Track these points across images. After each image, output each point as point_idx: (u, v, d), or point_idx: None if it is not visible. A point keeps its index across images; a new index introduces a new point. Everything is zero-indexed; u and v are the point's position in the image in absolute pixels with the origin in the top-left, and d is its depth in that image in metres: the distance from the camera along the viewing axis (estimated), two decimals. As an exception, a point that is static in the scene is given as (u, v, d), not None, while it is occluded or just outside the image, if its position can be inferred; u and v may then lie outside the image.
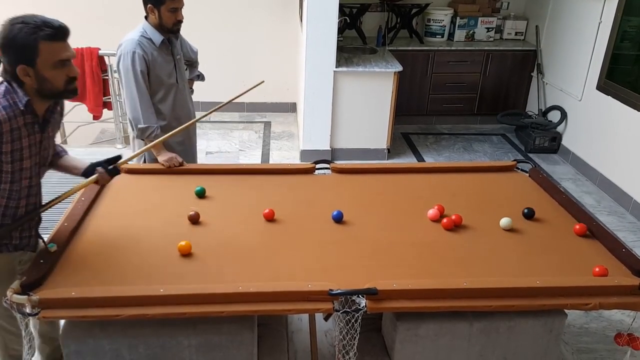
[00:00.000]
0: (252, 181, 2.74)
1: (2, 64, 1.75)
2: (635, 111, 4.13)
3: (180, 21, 2.82)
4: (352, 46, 5.42)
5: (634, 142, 4.15)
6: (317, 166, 2.85)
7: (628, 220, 4.11)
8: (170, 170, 2.83)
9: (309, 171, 2.84)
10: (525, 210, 2.45)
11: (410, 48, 5.48)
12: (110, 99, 4.83)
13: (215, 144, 5.26)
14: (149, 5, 2.78)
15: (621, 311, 2.89)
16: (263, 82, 2.64)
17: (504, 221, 2.34)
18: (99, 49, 4.66)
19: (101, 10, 5.52)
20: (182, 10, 2.84)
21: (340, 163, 2.96)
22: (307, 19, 4.39)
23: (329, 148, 4.86)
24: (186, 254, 2.09)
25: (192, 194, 2.54)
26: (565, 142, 5.16)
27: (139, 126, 2.79)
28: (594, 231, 2.32)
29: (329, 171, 2.86)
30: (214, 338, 1.95)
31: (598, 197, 4.45)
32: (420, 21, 5.80)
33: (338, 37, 4.56)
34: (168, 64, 2.89)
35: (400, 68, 4.71)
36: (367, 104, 4.78)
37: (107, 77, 4.74)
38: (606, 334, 2.85)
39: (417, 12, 5.63)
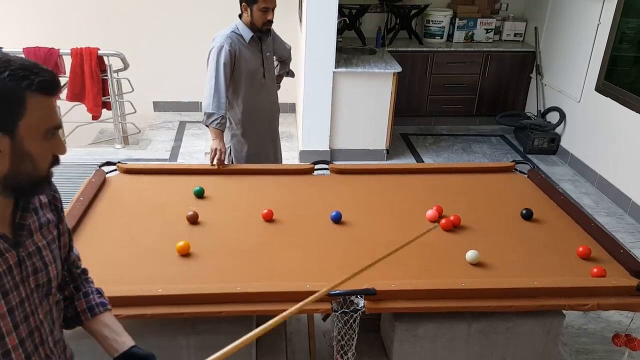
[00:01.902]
0: (250, 181, 2.74)
1: None
2: (634, 112, 4.13)
3: (270, 21, 2.94)
4: (352, 47, 5.42)
5: (632, 143, 4.15)
6: (316, 167, 2.86)
7: (626, 221, 4.11)
8: (170, 170, 2.84)
9: (307, 172, 2.84)
10: (524, 211, 2.45)
11: (409, 49, 5.49)
12: (109, 98, 4.83)
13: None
14: (243, 4, 2.90)
15: (619, 312, 2.89)
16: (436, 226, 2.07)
17: (470, 254, 2.12)
18: (99, 49, 4.65)
19: (101, 10, 5.51)
20: (274, 11, 2.96)
21: (339, 164, 2.96)
22: (307, 20, 4.39)
23: (328, 149, 4.86)
24: (185, 254, 2.09)
25: (191, 194, 2.54)
26: (564, 143, 5.16)
27: (206, 111, 2.86)
28: (593, 232, 2.33)
29: (327, 172, 2.86)
30: (212, 338, 1.95)
31: (597, 198, 4.46)
32: (419, 22, 5.80)
33: (337, 38, 4.56)
34: (256, 60, 3.01)
35: (399, 69, 4.71)
36: (366, 104, 4.78)
37: (106, 77, 4.74)
38: (604, 335, 2.85)
39: (417, 13, 5.63)
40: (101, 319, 1.34)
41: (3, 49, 4.52)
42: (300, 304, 1.30)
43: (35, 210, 1.17)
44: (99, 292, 1.39)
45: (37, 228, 1.16)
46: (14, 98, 1.01)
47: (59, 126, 1.10)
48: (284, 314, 1.26)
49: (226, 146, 2.98)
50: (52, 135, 1.08)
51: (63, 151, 1.11)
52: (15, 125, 1.02)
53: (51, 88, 1.05)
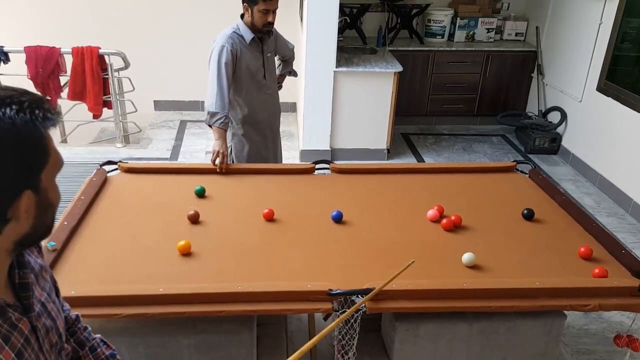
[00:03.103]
0: (251, 181, 2.74)
1: None
2: (636, 112, 4.12)
3: (271, 23, 2.93)
4: (352, 46, 5.42)
5: (634, 143, 4.15)
6: (317, 166, 2.85)
7: (628, 221, 4.11)
8: (171, 169, 2.84)
9: (308, 171, 2.84)
10: (525, 211, 2.45)
11: (410, 48, 5.48)
12: (110, 97, 4.83)
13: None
14: (244, 4, 2.90)
15: (621, 312, 2.89)
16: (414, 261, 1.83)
17: (466, 257, 2.11)
18: (99, 48, 4.65)
19: (102, 9, 5.51)
20: (275, 13, 2.94)
21: (340, 163, 2.96)
22: (308, 19, 4.39)
23: (328, 148, 4.86)
24: (186, 254, 2.09)
25: (192, 193, 2.54)
26: (565, 143, 5.16)
27: (209, 110, 2.86)
28: (594, 233, 2.32)
29: (328, 171, 2.86)
30: (213, 338, 1.95)
31: (598, 198, 4.45)
32: (420, 21, 5.80)
33: (338, 37, 4.56)
34: (256, 61, 3.01)
35: (400, 68, 4.70)
36: (367, 104, 4.77)
37: (107, 76, 4.74)
38: (606, 336, 2.84)
39: (418, 13, 5.62)
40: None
41: (4, 48, 4.53)
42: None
43: (25, 268, 0.97)
44: (104, 341, 1.27)
45: (35, 281, 0.99)
46: (42, 144, 0.83)
47: (62, 162, 0.92)
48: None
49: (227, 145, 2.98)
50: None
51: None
52: (40, 176, 0.85)
53: (56, 119, 0.87)
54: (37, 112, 0.81)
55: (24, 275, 0.96)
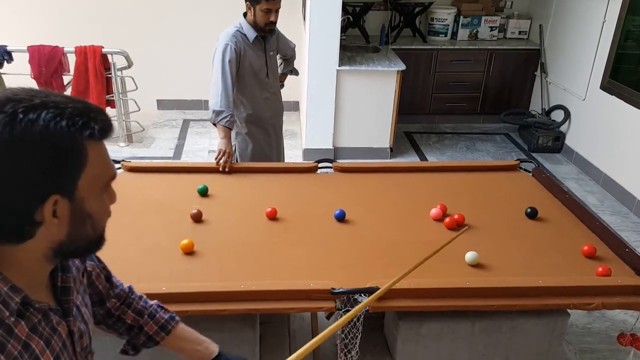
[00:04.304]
0: (254, 180, 2.74)
1: None
2: (639, 110, 4.11)
3: (273, 22, 2.93)
4: (355, 45, 5.41)
5: (637, 142, 4.13)
6: (320, 165, 2.85)
7: (631, 220, 4.09)
8: (174, 168, 2.84)
9: (311, 170, 2.84)
10: (528, 210, 2.45)
11: (413, 47, 5.47)
12: (113, 97, 4.84)
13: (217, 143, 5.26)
14: (247, 3, 2.90)
15: (624, 311, 2.88)
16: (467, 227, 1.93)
17: (469, 256, 2.11)
18: (102, 47, 4.66)
19: (105, 8, 5.52)
20: (278, 12, 2.95)
21: (342, 162, 2.96)
22: (310, 18, 4.39)
23: (331, 147, 4.86)
24: (188, 252, 2.09)
25: (195, 192, 2.54)
26: (568, 141, 5.14)
27: (214, 109, 2.85)
28: (597, 231, 2.32)
29: (331, 170, 2.86)
30: (216, 336, 1.94)
31: (601, 196, 4.44)
32: (423, 20, 5.78)
33: (341, 36, 4.55)
34: (259, 60, 3.01)
35: (403, 67, 4.70)
36: (370, 102, 4.77)
37: (110, 75, 4.75)
38: (609, 334, 2.84)
39: (421, 11, 5.61)
40: (175, 333, 1.28)
41: (7, 47, 4.54)
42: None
43: (68, 272, 1.00)
44: (160, 306, 1.31)
45: (74, 285, 1.01)
46: (76, 151, 0.82)
47: (115, 175, 0.93)
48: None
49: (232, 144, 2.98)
50: (108, 186, 0.93)
51: (115, 199, 0.98)
52: (75, 184, 0.84)
53: (109, 132, 0.87)
54: (77, 119, 0.81)
55: (66, 279, 0.98)
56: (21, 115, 0.77)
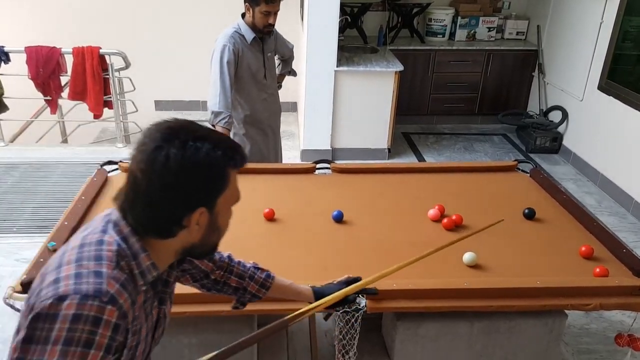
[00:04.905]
0: (252, 181, 2.74)
1: (129, 209, 1.07)
2: (637, 111, 4.11)
3: (271, 25, 2.94)
4: (353, 45, 5.41)
5: (635, 142, 4.14)
6: (318, 166, 2.85)
7: (629, 220, 4.10)
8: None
9: (309, 171, 2.84)
10: (526, 211, 2.45)
11: (411, 47, 5.47)
12: (111, 97, 4.83)
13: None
14: (246, 4, 2.89)
15: (622, 312, 2.88)
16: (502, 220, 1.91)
17: (467, 256, 2.11)
18: (100, 48, 4.65)
19: (102, 9, 5.52)
20: (276, 14, 2.95)
21: (340, 163, 2.96)
22: (308, 18, 4.39)
23: (329, 148, 4.86)
24: (186, 253, 2.09)
25: (193, 193, 2.54)
26: (566, 142, 5.15)
27: (213, 110, 2.85)
28: (595, 232, 2.32)
29: (329, 171, 2.86)
30: (214, 337, 1.95)
31: (599, 197, 4.45)
32: (421, 21, 5.79)
33: (339, 37, 4.55)
34: (257, 61, 3.01)
35: (401, 67, 4.70)
36: (368, 103, 4.77)
37: (107, 76, 4.74)
38: (607, 335, 2.84)
39: (419, 12, 5.62)
40: (273, 287, 1.52)
41: (5, 48, 4.53)
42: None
43: (171, 275, 1.23)
44: (257, 267, 1.52)
45: (172, 279, 1.23)
46: (223, 176, 1.07)
47: (239, 199, 1.17)
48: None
49: None
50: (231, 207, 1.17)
51: (230, 218, 1.19)
52: (216, 201, 1.08)
53: (245, 163, 1.12)
54: (227, 151, 1.06)
55: (169, 274, 1.20)
56: (191, 143, 1.01)
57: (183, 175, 1.01)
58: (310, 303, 1.53)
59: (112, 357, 0.98)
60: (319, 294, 1.57)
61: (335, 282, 1.65)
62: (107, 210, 1.13)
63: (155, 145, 1.02)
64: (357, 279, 1.63)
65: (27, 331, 0.95)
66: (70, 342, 0.93)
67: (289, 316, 1.44)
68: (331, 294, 1.55)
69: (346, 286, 1.59)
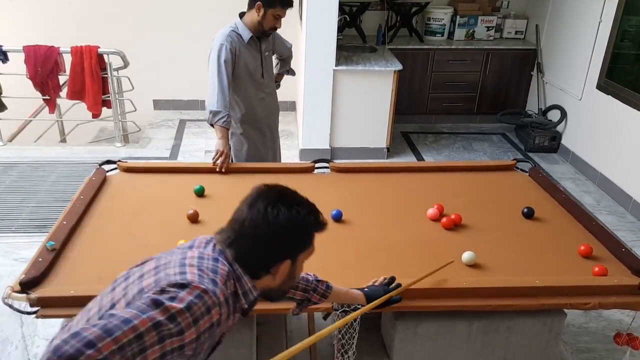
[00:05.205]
0: (251, 180, 2.72)
1: (240, 245, 1.29)
2: (636, 110, 4.12)
3: (277, 28, 2.97)
4: (352, 45, 5.41)
5: (633, 141, 4.14)
6: (317, 165, 2.85)
7: (628, 219, 4.10)
8: (170, 168, 2.83)
9: (308, 170, 2.84)
10: (525, 210, 2.45)
11: (410, 47, 5.47)
12: (109, 97, 4.82)
13: (214, 143, 5.25)
14: (258, 3, 2.85)
15: (620, 311, 2.88)
16: (452, 261, 2.04)
17: (466, 256, 2.10)
18: (99, 47, 4.65)
19: (101, 8, 5.51)
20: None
21: (339, 162, 2.95)
22: (307, 18, 4.38)
23: (328, 147, 4.86)
24: (185, 253, 2.08)
25: (192, 192, 2.54)
26: (565, 141, 5.16)
27: (211, 109, 2.84)
28: (594, 231, 2.32)
29: (328, 170, 2.85)
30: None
31: (598, 196, 4.45)
32: (420, 20, 5.79)
33: (338, 36, 4.55)
34: (254, 60, 3.00)
35: (400, 67, 4.70)
36: (367, 102, 4.77)
37: (106, 76, 4.73)
38: (605, 334, 2.84)
39: (417, 11, 5.62)
40: (331, 296, 1.71)
41: (3, 47, 4.52)
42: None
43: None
44: (317, 279, 1.69)
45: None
46: (310, 237, 1.34)
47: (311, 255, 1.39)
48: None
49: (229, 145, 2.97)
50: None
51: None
52: (299, 256, 1.33)
53: (326, 228, 1.37)
54: (317, 217, 1.33)
55: (254, 302, 1.35)
56: (295, 207, 1.28)
57: (284, 232, 1.26)
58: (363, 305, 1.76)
59: (192, 345, 1.16)
60: (369, 297, 1.77)
61: (377, 283, 1.84)
62: (207, 236, 1.36)
63: (267, 203, 1.27)
64: (392, 280, 1.85)
65: (156, 295, 1.14)
66: (189, 309, 1.13)
67: (351, 315, 1.68)
68: (380, 296, 1.77)
69: (387, 287, 1.82)
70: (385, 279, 1.86)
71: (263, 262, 1.29)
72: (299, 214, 1.28)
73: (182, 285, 1.16)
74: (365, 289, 1.80)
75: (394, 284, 1.84)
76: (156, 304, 1.12)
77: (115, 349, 1.04)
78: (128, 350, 1.06)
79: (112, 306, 1.18)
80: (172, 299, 1.13)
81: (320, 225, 1.33)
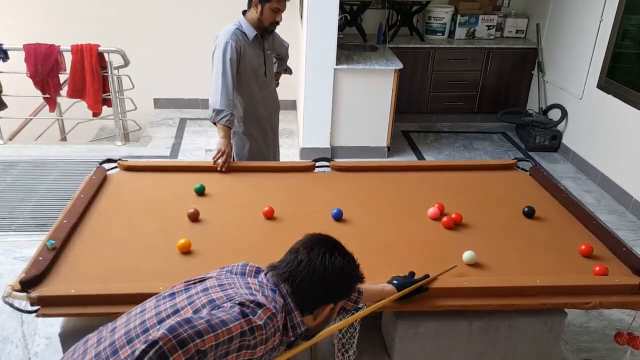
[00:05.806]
0: (251, 179, 2.74)
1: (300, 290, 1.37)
2: (636, 110, 4.11)
3: (278, 22, 2.94)
4: (353, 43, 5.41)
5: (634, 140, 4.14)
6: (317, 164, 2.85)
7: (628, 219, 4.10)
8: (170, 167, 2.83)
9: (308, 169, 2.84)
10: (526, 209, 2.45)
11: (410, 46, 5.47)
12: (109, 95, 4.82)
13: (215, 142, 5.24)
14: (254, 0, 2.84)
15: (621, 310, 2.88)
16: (455, 266, 2.07)
17: (467, 255, 2.10)
18: (99, 46, 4.64)
19: (101, 6, 5.50)
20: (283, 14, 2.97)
21: (340, 161, 2.95)
22: (308, 16, 4.38)
23: (328, 146, 4.85)
24: (186, 252, 2.09)
25: (192, 191, 2.54)
26: (565, 140, 5.15)
27: (215, 108, 2.83)
28: (594, 230, 2.32)
29: (328, 169, 2.85)
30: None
31: (598, 195, 4.45)
32: (421, 19, 5.78)
33: (338, 35, 4.54)
34: (258, 58, 2.99)
35: (400, 66, 4.69)
36: (368, 101, 4.77)
37: (106, 74, 4.73)
38: (606, 333, 2.84)
39: (418, 10, 5.61)
40: (363, 299, 1.74)
41: (3, 46, 4.52)
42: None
43: None
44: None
45: None
46: (353, 286, 1.48)
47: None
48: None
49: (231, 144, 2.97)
50: None
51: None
52: (340, 301, 1.45)
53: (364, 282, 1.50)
54: (361, 271, 1.46)
55: (300, 336, 1.44)
56: (348, 257, 1.41)
57: (336, 278, 1.37)
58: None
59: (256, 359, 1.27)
60: (400, 287, 1.83)
61: (401, 275, 1.90)
62: (250, 263, 1.49)
63: (325, 250, 1.37)
64: (412, 274, 1.92)
65: (240, 306, 1.24)
66: (265, 327, 1.24)
67: (386, 299, 1.78)
68: (407, 286, 1.83)
69: (413, 277, 1.89)
70: (411, 272, 1.92)
71: (311, 302, 1.38)
72: (350, 265, 1.40)
73: (258, 304, 1.27)
74: (395, 282, 1.85)
75: (421, 276, 1.90)
76: (243, 314, 1.23)
77: (213, 345, 1.16)
78: (219, 350, 1.17)
79: (176, 311, 1.26)
80: (254, 313, 1.24)
81: (362, 277, 1.47)
